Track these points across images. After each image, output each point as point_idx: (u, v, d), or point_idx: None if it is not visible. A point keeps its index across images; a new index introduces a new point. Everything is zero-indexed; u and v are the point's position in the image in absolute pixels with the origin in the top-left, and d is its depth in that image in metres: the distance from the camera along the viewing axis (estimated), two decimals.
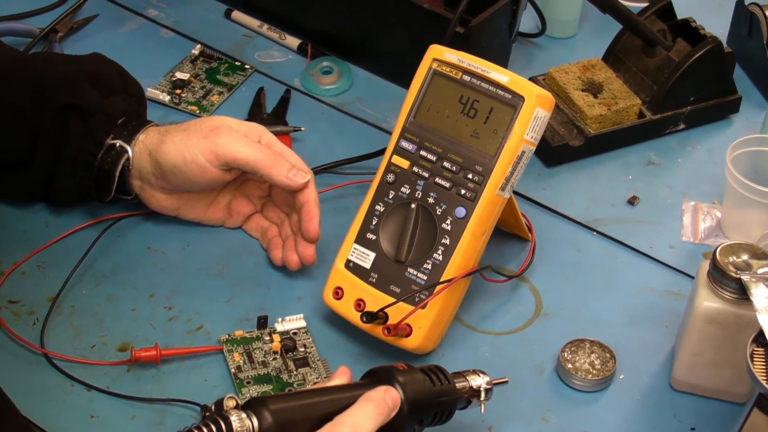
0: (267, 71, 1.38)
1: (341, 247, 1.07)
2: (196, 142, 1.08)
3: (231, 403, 0.82)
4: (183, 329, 1.09)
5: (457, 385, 0.93)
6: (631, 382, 1.06)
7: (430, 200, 1.05)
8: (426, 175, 1.05)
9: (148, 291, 1.12)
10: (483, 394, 0.94)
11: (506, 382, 0.97)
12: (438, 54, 1.07)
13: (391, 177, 1.07)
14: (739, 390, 1.03)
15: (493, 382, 0.95)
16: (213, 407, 0.83)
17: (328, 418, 0.84)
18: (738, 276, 0.96)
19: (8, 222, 1.17)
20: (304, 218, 1.10)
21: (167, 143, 1.10)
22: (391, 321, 1.02)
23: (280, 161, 1.09)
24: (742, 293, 0.96)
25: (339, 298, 1.06)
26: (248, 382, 1.03)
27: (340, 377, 0.91)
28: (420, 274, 1.04)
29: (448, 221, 1.04)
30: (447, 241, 1.04)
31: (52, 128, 1.13)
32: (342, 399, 0.86)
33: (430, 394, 0.90)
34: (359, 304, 1.05)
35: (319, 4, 1.39)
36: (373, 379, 0.90)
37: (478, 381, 0.94)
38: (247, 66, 1.38)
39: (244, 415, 0.81)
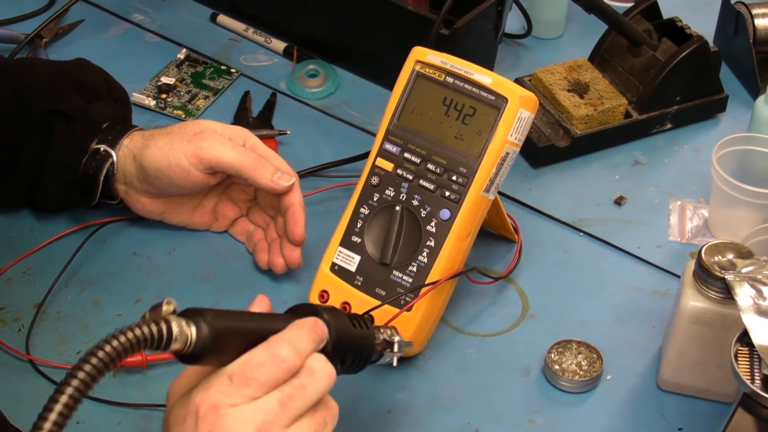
0: (253, 75, 1.38)
1: (326, 250, 1.07)
2: (180, 146, 1.08)
3: (170, 308, 0.77)
4: None
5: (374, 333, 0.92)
6: (618, 383, 1.06)
7: (415, 202, 1.05)
8: (410, 177, 1.05)
9: (134, 296, 1.12)
10: (396, 346, 0.93)
11: (410, 344, 0.97)
12: (421, 56, 1.07)
13: (375, 180, 1.06)
14: (725, 389, 1.03)
15: (404, 342, 0.94)
16: (149, 311, 0.77)
17: (263, 337, 0.81)
18: (723, 275, 0.96)
19: None
20: (289, 221, 1.10)
21: (151, 147, 1.10)
22: (377, 324, 1.02)
23: (265, 164, 1.09)
24: (728, 293, 0.96)
25: (325, 302, 1.06)
26: None
27: (259, 305, 0.88)
28: (405, 277, 1.04)
29: (433, 223, 1.04)
30: (432, 244, 1.03)
31: (36, 133, 1.13)
32: (275, 322, 0.83)
33: (352, 335, 0.89)
34: (345, 307, 1.05)
35: (305, 8, 1.39)
36: (297, 313, 0.87)
37: (389, 332, 0.93)
38: (232, 70, 1.38)
39: (183, 323, 0.76)
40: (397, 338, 0.93)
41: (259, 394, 0.78)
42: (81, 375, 0.69)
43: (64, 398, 0.68)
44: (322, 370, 0.81)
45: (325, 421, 0.82)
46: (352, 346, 0.89)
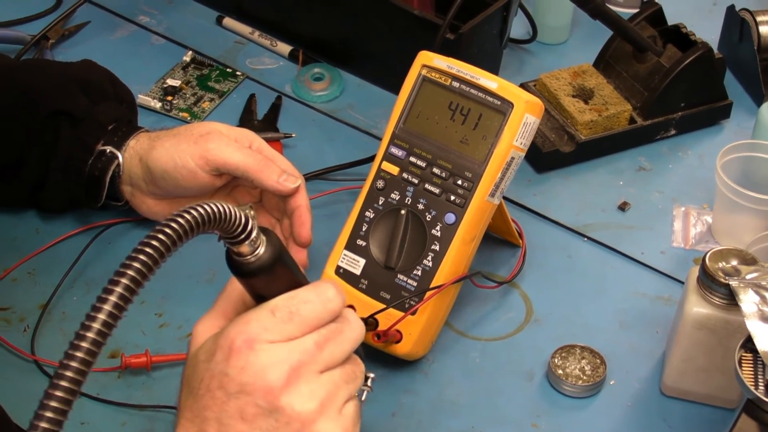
0: (258, 78, 1.38)
1: (331, 253, 1.07)
2: (186, 148, 1.08)
3: (252, 213, 0.76)
4: (173, 336, 1.09)
5: None
6: (621, 388, 1.06)
7: (420, 206, 1.05)
8: (415, 181, 1.05)
9: (138, 298, 1.10)
10: (369, 380, 0.89)
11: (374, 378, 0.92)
12: (427, 60, 1.07)
13: (380, 183, 1.07)
14: (729, 395, 1.03)
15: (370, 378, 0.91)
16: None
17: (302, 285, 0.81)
18: (727, 281, 0.96)
19: None
20: (295, 223, 1.10)
21: (157, 148, 1.10)
22: (381, 327, 1.02)
23: (271, 166, 1.09)
24: (732, 299, 0.96)
25: None
26: None
27: None
28: (410, 281, 1.04)
29: (438, 227, 1.04)
30: (437, 248, 1.04)
31: (42, 134, 1.13)
32: None
33: None
34: None
35: (311, 11, 1.39)
36: None
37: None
38: (238, 73, 1.39)
39: (260, 230, 0.77)
40: (372, 374, 0.89)
41: (298, 334, 0.77)
42: (174, 225, 0.69)
43: (150, 250, 0.69)
44: (356, 321, 0.81)
45: (355, 374, 0.80)
46: None
